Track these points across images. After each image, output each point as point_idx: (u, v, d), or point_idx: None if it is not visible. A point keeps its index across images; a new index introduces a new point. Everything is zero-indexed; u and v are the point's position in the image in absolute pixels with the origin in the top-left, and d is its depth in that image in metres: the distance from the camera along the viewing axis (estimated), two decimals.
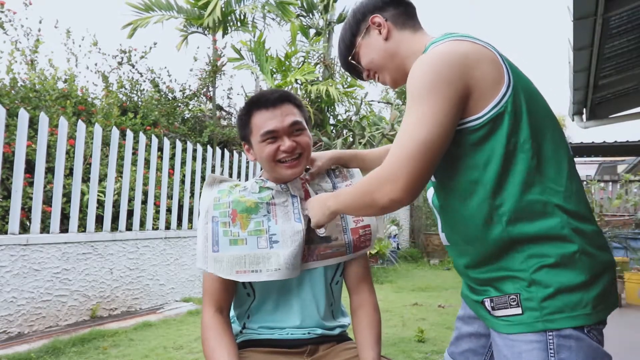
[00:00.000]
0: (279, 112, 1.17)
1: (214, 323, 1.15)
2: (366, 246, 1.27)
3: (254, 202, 1.20)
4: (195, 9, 7.29)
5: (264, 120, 1.17)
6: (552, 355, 0.86)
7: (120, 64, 6.51)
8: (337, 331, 1.29)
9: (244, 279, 1.12)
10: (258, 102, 1.19)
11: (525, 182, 0.88)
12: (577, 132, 31.31)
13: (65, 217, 3.88)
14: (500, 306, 0.93)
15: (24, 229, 3.65)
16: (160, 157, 4.96)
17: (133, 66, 6.57)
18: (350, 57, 1.14)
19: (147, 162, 4.62)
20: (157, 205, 4.67)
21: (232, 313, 1.29)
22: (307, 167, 1.31)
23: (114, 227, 4.18)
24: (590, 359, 0.86)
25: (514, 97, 0.88)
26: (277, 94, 1.20)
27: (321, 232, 1.22)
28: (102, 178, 4.47)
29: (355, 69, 1.17)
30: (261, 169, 1.31)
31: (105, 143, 4.57)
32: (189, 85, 7.06)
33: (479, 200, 0.92)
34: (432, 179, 1.03)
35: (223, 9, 7.07)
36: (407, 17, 1.07)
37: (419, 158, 0.86)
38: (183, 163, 5.27)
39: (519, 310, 0.89)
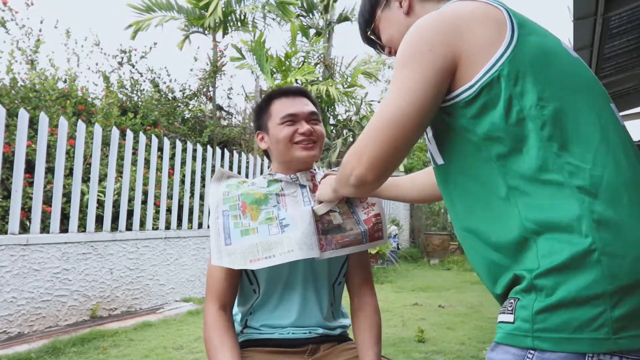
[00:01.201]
0: (299, 101, 1.25)
1: (217, 321, 1.14)
2: (380, 237, 1.26)
3: (264, 194, 1.20)
4: (196, 9, 7.29)
5: (285, 106, 1.24)
6: None
7: (120, 64, 6.52)
8: (338, 331, 1.30)
9: (258, 266, 1.10)
10: (279, 92, 1.27)
11: (538, 157, 0.72)
12: None
13: (65, 217, 3.88)
14: (502, 309, 0.77)
15: (24, 229, 3.65)
16: (160, 157, 4.96)
17: (133, 66, 6.57)
18: (369, 32, 1.05)
19: (147, 162, 4.62)
20: (157, 205, 4.67)
21: (234, 311, 1.29)
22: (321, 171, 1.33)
23: (114, 227, 4.18)
24: None
25: (514, 58, 0.75)
26: (297, 88, 1.28)
27: (321, 210, 1.20)
28: (102, 178, 4.47)
29: (376, 44, 1.08)
30: (269, 167, 1.32)
31: (105, 143, 4.57)
32: (189, 85, 7.06)
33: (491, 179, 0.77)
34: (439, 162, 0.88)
35: (223, 9, 7.07)
36: None
37: (384, 135, 0.77)
38: (183, 163, 5.27)
39: (510, 318, 0.73)
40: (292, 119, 1.21)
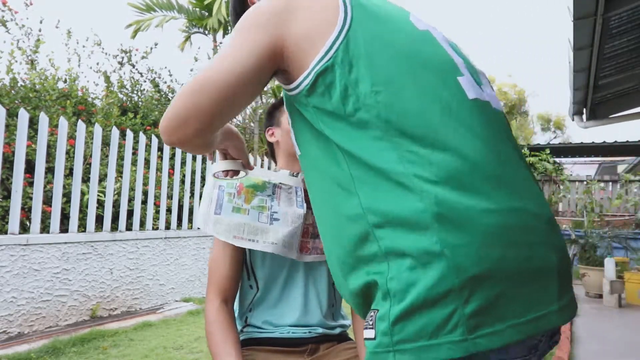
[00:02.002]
0: None
1: (220, 316, 1.15)
2: None
3: (262, 180, 1.24)
4: (197, 9, 7.30)
5: None
6: None
7: (121, 63, 6.52)
8: (337, 331, 1.30)
9: (239, 244, 1.15)
10: None
11: (376, 147, 0.67)
12: (577, 132, 31.33)
13: (65, 217, 3.88)
14: (365, 324, 0.67)
15: (24, 229, 3.65)
16: (160, 157, 4.96)
17: (133, 66, 6.57)
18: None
19: (147, 162, 4.62)
20: (157, 205, 4.67)
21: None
22: None
23: (114, 227, 4.18)
24: None
25: (347, 44, 0.70)
26: None
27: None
28: (102, 178, 4.47)
29: None
30: (269, 167, 1.35)
31: (105, 143, 4.57)
32: None
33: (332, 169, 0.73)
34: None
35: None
36: None
37: (188, 94, 0.71)
38: (183, 163, 5.27)
39: (372, 334, 0.64)
40: None
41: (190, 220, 5.08)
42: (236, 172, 1.05)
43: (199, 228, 1.20)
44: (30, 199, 3.61)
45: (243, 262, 1.23)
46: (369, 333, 0.65)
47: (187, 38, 7.71)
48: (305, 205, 1.24)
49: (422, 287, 0.59)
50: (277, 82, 7.00)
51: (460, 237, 0.60)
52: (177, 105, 0.72)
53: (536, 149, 9.67)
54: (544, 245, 0.66)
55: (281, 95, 1.26)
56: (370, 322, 0.65)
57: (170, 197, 4.84)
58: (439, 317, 0.59)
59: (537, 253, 0.64)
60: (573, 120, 5.32)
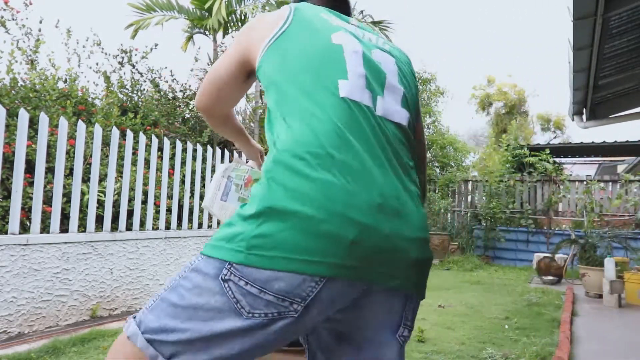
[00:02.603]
0: None
1: None
2: None
3: None
4: (197, 9, 7.30)
5: None
6: (181, 277, 0.84)
7: (121, 63, 6.52)
8: None
9: None
10: None
11: (272, 133, 0.92)
12: (577, 132, 31.31)
13: (65, 217, 3.88)
14: None
15: (24, 229, 3.65)
16: (160, 157, 4.96)
17: (133, 66, 6.57)
18: None
19: (147, 162, 4.62)
20: (157, 205, 4.67)
21: None
22: None
23: (114, 227, 4.18)
24: (196, 295, 0.79)
25: (275, 48, 0.96)
26: None
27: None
28: (102, 178, 4.47)
29: None
30: None
31: (105, 143, 4.57)
32: (190, 86, 7.06)
33: None
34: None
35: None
36: None
37: (204, 79, 1.12)
38: (183, 163, 5.27)
39: None
40: None
41: (190, 220, 5.08)
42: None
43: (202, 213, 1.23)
44: (30, 199, 3.61)
45: None
46: None
47: (189, 38, 7.71)
48: None
49: (243, 209, 0.83)
50: None
51: (284, 175, 0.81)
52: (201, 84, 1.13)
53: (536, 149, 9.68)
54: (343, 217, 0.79)
55: None
56: None
57: (170, 197, 4.84)
58: (237, 230, 0.80)
59: (334, 219, 0.78)
60: (573, 120, 5.32)
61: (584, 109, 5.15)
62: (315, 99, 0.87)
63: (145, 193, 4.62)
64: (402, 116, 0.97)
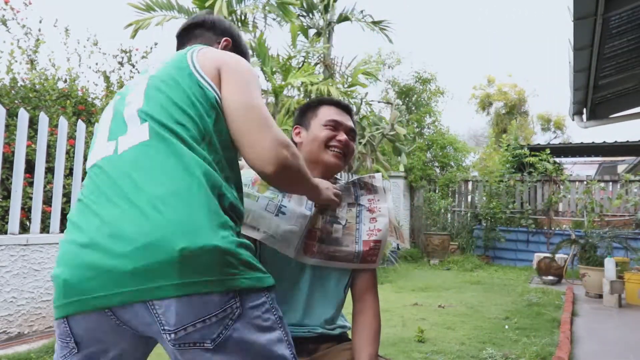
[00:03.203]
0: (345, 115, 1.37)
1: None
2: (373, 261, 1.30)
3: None
4: (197, 9, 7.29)
5: (333, 113, 1.35)
6: None
7: (121, 63, 6.51)
8: (337, 331, 1.30)
9: (242, 229, 1.16)
10: (330, 101, 1.39)
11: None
12: (577, 132, 31.29)
13: (65, 217, 3.87)
14: None
15: (24, 229, 3.65)
16: None
17: (133, 66, 6.57)
18: None
19: None
20: None
21: None
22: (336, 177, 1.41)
23: None
24: None
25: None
26: (346, 104, 1.41)
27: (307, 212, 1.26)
28: None
29: None
30: None
31: None
32: None
33: None
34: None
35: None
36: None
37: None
38: None
39: None
40: (335, 125, 1.32)
41: None
42: None
43: None
44: (30, 199, 3.61)
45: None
46: None
47: None
48: (313, 209, 1.25)
49: None
50: (278, 83, 6.98)
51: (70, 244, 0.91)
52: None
53: (536, 149, 9.67)
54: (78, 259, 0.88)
55: (313, 95, 1.32)
56: None
57: None
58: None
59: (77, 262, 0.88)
60: (573, 120, 5.32)
61: (584, 109, 5.15)
62: None
63: None
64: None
